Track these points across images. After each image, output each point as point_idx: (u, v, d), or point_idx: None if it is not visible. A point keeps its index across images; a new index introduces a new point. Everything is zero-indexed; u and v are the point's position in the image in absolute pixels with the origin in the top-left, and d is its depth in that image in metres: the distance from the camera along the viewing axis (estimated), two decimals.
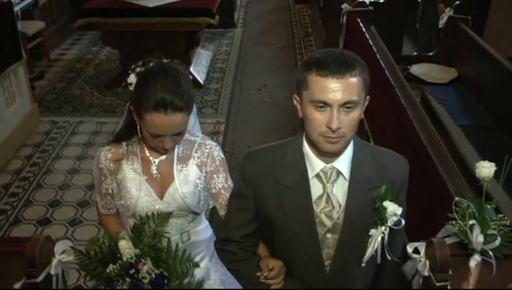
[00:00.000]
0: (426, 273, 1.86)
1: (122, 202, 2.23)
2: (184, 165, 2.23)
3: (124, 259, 1.86)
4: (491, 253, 1.84)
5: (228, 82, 7.16)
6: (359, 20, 4.61)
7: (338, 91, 1.67)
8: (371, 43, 4.12)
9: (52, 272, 1.90)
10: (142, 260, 1.86)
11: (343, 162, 1.85)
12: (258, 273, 1.96)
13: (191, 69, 6.76)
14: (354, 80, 1.69)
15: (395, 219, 1.79)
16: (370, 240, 1.85)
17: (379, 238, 1.83)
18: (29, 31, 6.97)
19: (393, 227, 1.80)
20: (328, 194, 1.86)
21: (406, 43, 6.44)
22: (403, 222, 1.83)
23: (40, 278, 1.86)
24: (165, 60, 2.18)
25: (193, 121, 2.64)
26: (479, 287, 1.85)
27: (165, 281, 1.87)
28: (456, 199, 1.93)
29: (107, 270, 1.86)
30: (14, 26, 5.30)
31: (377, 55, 3.86)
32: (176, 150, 2.22)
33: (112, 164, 2.22)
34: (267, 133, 5.47)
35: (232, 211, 2.07)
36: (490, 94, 4.35)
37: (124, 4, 6.45)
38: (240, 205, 2.01)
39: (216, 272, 2.42)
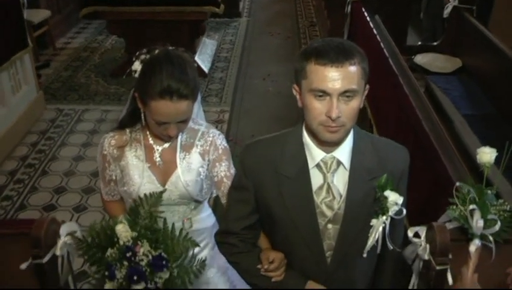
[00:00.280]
0: (426, 257, 1.86)
1: (125, 188, 2.24)
2: (187, 153, 2.23)
3: (121, 243, 1.88)
4: (490, 238, 1.85)
5: (233, 71, 7.18)
6: (364, 10, 4.61)
7: (337, 80, 1.66)
8: (375, 32, 4.13)
9: (58, 253, 1.91)
10: (139, 242, 1.88)
11: (344, 152, 1.84)
12: (259, 266, 1.95)
13: (196, 58, 6.77)
14: (353, 68, 1.68)
15: (396, 208, 1.79)
16: (371, 230, 1.84)
17: (380, 228, 1.83)
18: (35, 19, 7.00)
19: (395, 217, 1.80)
20: (328, 184, 1.85)
21: (411, 33, 6.45)
22: (404, 211, 1.82)
23: (46, 259, 1.88)
24: (170, 48, 2.19)
25: (197, 109, 2.65)
26: (479, 271, 1.86)
27: (164, 262, 1.89)
28: (457, 184, 1.94)
29: (106, 255, 1.88)
30: (20, 15, 5.32)
31: (381, 44, 3.87)
32: (179, 138, 2.22)
33: (115, 151, 2.23)
34: (271, 122, 5.48)
35: (232, 203, 2.06)
36: (494, 84, 4.35)
37: None
38: (240, 196, 2.00)
39: (219, 260, 2.41)
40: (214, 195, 2.44)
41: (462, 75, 4.84)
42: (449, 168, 2.44)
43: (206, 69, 6.95)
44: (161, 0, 6.33)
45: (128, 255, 1.86)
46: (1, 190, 4.62)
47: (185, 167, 2.22)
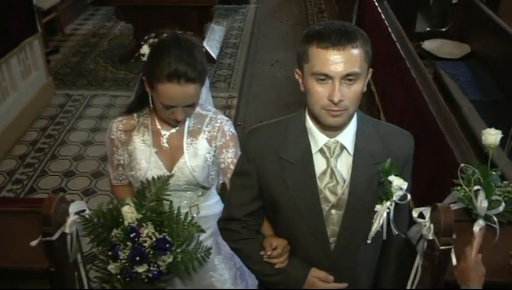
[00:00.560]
0: (430, 237, 1.88)
1: (132, 173, 2.25)
2: (194, 139, 2.23)
3: (126, 223, 1.91)
4: (495, 218, 1.85)
5: (241, 57, 7.19)
6: None
7: (339, 63, 1.64)
8: (383, 17, 4.12)
9: (67, 230, 1.95)
10: (144, 224, 1.91)
11: (347, 136, 1.82)
12: (262, 253, 1.93)
13: (205, 44, 6.77)
14: (355, 51, 1.65)
15: (400, 193, 1.78)
16: (375, 215, 1.83)
17: (384, 214, 1.82)
18: (44, 5, 7.01)
19: (399, 202, 1.79)
20: (332, 169, 1.83)
21: (421, 20, 6.42)
22: (409, 196, 1.81)
23: (56, 236, 1.91)
24: (178, 32, 2.18)
25: (205, 95, 2.64)
26: (483, 252, 1.87)
27: (168, 245, 1.91)
28: (462, 165, 1.95)
29: (111, 235, 1.92)
30: (29, 1, 5.35)
31: (389, 29, 3.86)
32: (186, 123, 2.22)
33: (123, 135, 2.24)
34: (279, 108, 5.48)
35: (235, 189, 2.03)
36: (502, 70, 4.34)
37: None
38: (242, 182, 1.98)
39: (226, 248, 2.39)
40: (221, 182, 2.42)
41: (470, 61, 4.82)
42: (455, 151, 2.45)
43: (214, 55, 6.96)
44: None
45: (131, 235, 1.89)
46: (12, 173, 4.67)
47: (191, 152, 2.22)
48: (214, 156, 2.27)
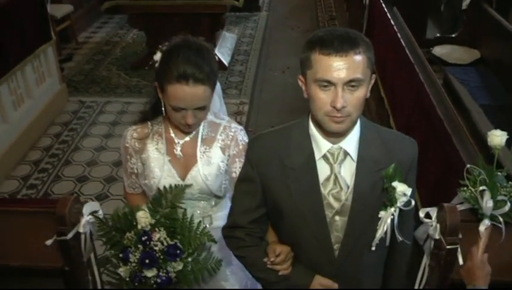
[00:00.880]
0: (437, 237, 1.90)
1: (146, 181, 2.26)
2: (208, 147, 2.23)
3: (139, 227, 1.93)
4: (500, 218, 1.88)
5: (252, 64, 7.25)
6: (381, 1, 4.64)
7: (342, 69, 1.64)
8: (393, 22, 4.16)
9: (81, 230, 1.99)
10: (156, 229, 1.93)
11: (351, 143, 1.81)
12: (265, 259, 1.93)
13: (216, 51, 6.83)
14: (358, 57, 1.65)
15: (404, 199, 1.77)
16: (379, 222, 1.82)
17: (389, 220, 1.80)
18: (58, 14, 7.13)
19: (403, 208, 1.78)
20: (335, 175, 1.82)
21: (432, 27, 6.43)
22: (413, 202, 1.80)
23: (70, 235, 1.96)
24: (190, 36, 2.17)
25: (219, 104, 2.65)
26: (489, 251, 1.90)
27: (178, 251, 1.93)
28: (468, 166, 1.98)
29: (124, 238, 1.95)
30: (43, 9, 5.44)
31: (398, 34, 3.89)
32: (200, 131, 2.23)
33: (136, 143, 2.25)
34: (290, 114, 5.48)
35: (239, 195, 2.02)
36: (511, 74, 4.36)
37: None
38: (246, 189, 1.96)
39: None
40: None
41: (480, 66, 4.84)
42: (462, 152, 2.48)
43: (226, 62, 7.02)
44: None
45: (143, 239, 1.91)
46: (26, 179, 4.74)
47: (205, 160, 2.22)
48: (226, 164, 2.27)
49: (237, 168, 2.23)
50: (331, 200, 1.84)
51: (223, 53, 7.16)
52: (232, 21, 8.83)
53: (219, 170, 2.24)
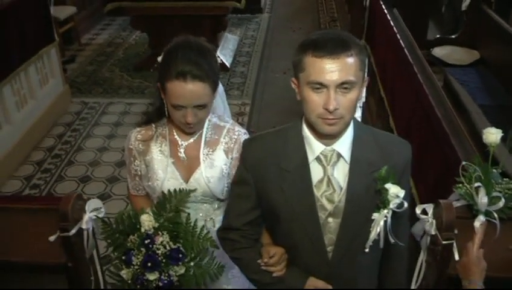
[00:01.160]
0: (433, 232, 1.92)
1: (149, 183, 2.27)
2: (211, 150, 2.24)
3: (143, 230, 1.95)
4: (495, 214, 1.90)
5: (254, 65, 7.31)
6: (381, 3, 4.67)
7: (334, 71, 1.65)
8: (392, 23, 4.18)
9: (84, 226, 2.01)
10: (160, 232, 1.95)
11: (344, 144, 1.83)
12: (259, 261, 1.94)
13: (218, 53, 6.87)
14: (350, 60, 1.67)
15: (397, 201, 1.78)
16: (373, 224, 1.83)
17: (382, 222, 1.82)
18: (61, 15, 7.19)
19: (396, 210, 1.80)
20: (328, 177, 1.84)
21: (433, 28, 6.46)
22: (406, 204, 1.81)
23: (73, 231, 1.98)
24: (191, 36, 2.19)
25: (222, 107, 2.66)
26: (484, 247, 1.92)
27: (181, 255, 1.94)
28: (463, 163, 2.01)
29: (127, 241, 1.97)
30: (47, 10, 5.50)
31: (397, 35, 3.92)
32: (203, 134, 2.24)
33: (140, 145, 2.27)
34: (291, 115, 5.46)
35: (234, 198, 2.04)
36: (511, 75, 4.38)
37: None
38: (241, 191, 1.98)
39: None
40: None
41: (480, 67, 4.86)
42: (459, 151, 2.50)
43: (228, 64, 7.07)
44: None
45: (146, 242, 1.93)
46: (29, 179, 4.80)
47: (208, 163, 2.23)
48: (229, 167, 2.28)
49: None
50: (324, 202, 1.85)
51: (225, 54, 7.22)
52: (234, 23, 8.89)
53: (222, 172, 2.25)
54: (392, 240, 1.84)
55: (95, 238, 2.14)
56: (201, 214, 2.29)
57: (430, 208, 1.98)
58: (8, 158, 4.81)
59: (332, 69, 1.65)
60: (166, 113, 2.18)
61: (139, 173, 2.32)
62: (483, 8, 4.95)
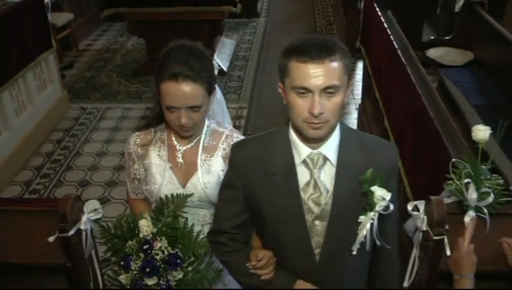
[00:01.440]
0: (424, 228, 1.97)
1: (147, 187, 2.28)
2: (209, 155, 2.24)
3: (141, 235, 1.98)
4: (485, 209, 1.96)
5: (251, 69, 7.35)
6: (375, 5, 4.72)
7: (318, 76, 1.67)
8: (386, 26, 4.23)
9: (82, 227, 2.06)
10: (158, 238, 1.97)
11: (330, 148, 1.84)
12: (247, 264, 1.94)
13: (215, 57, 6.90)
14: (334, 64, 1.69)
15: (383, 203, 1.79)
16: (360, 227, 1.84)
17: (368, 225, 1.83)
18: (59, 22, 7.23)
19: (383, 212, 1.81)
20: (315, 180, 1.85)
21: (429, 30, 6.51)
22: (392, 206, 1.82)
23: (71, 232, 2.03)
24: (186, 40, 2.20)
25: (221, 113, 2.65)
26: (474, 242, 1.97)
27: (179, 261, 1.97)
28: (453, 160, 2.06)
29: (126, 246, 1.99)
30: (44, 17, 5.54)
31: (391, 37, 3.96)
32: (202, 139, 2.25)
33: (139, 149, 2.28)
34: (288, 118, 5.58)
35: (223, 202, 2.05)
36: (504, 75, 4.42)
37: None
38: (229, 195, 2.00)
39: None
40: None
41: (474, 68, 4.89)
42: (451, 152, 2.54)
43: (225, 68, 7.11)
44: (180, 0, 6.52)
45: (145, 247, 1.95)
46: (28, 184, 4.83)
47: (205, 168, 2.23)
48: None
49: None
50: (311, 204, 1.87)
51: (222, 59, 7.26)
52: (231, 27, 8.94)
53: (219, 178, 2.23)
54: (378, 243, 1.85)
55: (94, 239, 2.18)
56: (198, 220, 2.29)
57: (421, 204, 2.03)
58: (8, 164, 4.84)
59: (316, 73, 1.68)
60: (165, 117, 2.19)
61: (138, 176, 2.32)
62: (476, 9, 5.00)
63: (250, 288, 2.03)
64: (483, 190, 1.97)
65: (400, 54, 3.62)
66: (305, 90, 1.70)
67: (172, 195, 2.09)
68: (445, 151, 2.60)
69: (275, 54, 7.79)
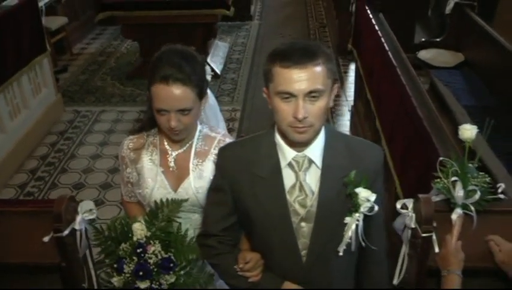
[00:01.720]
0: (413, 226, 2.01)
1: (140, 191, 2.28)
2: (201, 160, 2.24)
3: (135, 239, 1.99)
4: (472, 207, 1.99)
5: (244, 72, 7.39)
6: (367, 8, 4.76)
7: (302, 81, 1.69)
8: (377, 28, 4.27)
9: (76, 227, 2.09)
10: (151, 242, 1.99)
11: (315, 150, 1.86)
12: (235, 266, 1.96)
13: (209, 60, 6.97)
14: (317, 68, 1.70)
15: (368, 205, 1.82)
16: (345, 228, 1.87)
17: (353, 226, 1.85)
18: (53, 26, 7.25)
19: (367, 213, 1.83)
20: (301, 183, 1.87)
21: (421, 32, 6.56)
22: (377, 207, 1.85)
23: (66, 232, 2.06)
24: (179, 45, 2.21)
25: (215, 119, 2.65)
26: (462, 238, 2.00)
27: (172, 265, 1.98)
28: (441, 158, 2.09)
29: (119, 249, 2.00)
30: (38, 21, 5.57)
31: (382, 39, 4.01)
32: (194, 144, 2.25)
33: (132, 153, 2.28)
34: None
35: (211, 205, 2.08)
36: (494, 76, 4.47)
37: None
38: (217, 198, 2.02)
39: None
40: None
41: (464, 69, 4.95)
42: (441, 151, 2.58)
43: (218, 71, 7.14)
44: (174, 4, 6.55)
45: (138, 251, 1.97)
46: (23, 187, 4.86)
47: (197, 173, 2.23)
48: None
49: None
50: (297, 206, 1.89)
51: (215, 62, 7.30)
52: (225, 30, 8.97)
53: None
54: (363, 243, 1.88)
55: (88, 240, 2.21)
56: (190, 224, 2.28)
57: (410, 202, 2.07)
58: (2, 167, 4.86)
59: (299, 78, 1.69)
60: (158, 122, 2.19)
61: (131, 180, 2.33)
62: (466, 11, 5.06)
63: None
64: (470, 187, 2.00)
65: (391, 56, 3.66)
66: (289, 95, 1.72)
67: (167, 199, 2.09)
68: (434, 151, 2.64)
69: None
